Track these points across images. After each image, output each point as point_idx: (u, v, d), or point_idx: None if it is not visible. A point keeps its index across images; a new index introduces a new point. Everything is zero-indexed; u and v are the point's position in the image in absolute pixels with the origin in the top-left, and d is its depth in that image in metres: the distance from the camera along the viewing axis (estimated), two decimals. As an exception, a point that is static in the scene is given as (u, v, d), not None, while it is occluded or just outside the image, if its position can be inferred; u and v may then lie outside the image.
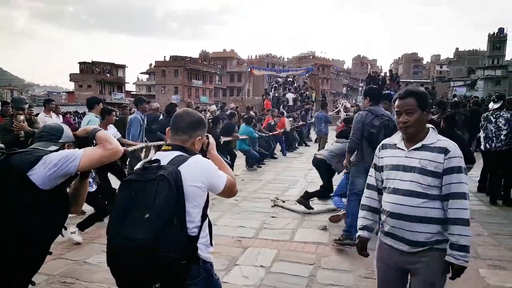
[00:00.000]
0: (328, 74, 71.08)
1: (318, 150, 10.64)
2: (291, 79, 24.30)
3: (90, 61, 53.01)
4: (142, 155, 6.92)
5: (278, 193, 6.81)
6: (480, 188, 6.83)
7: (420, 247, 1.92)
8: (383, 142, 2.17)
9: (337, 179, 5.72)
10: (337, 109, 26.63)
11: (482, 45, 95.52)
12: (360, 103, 26.47)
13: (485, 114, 6.37)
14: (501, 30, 70.15)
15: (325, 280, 3.46)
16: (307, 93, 23.05)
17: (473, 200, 6.28)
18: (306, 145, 15.00)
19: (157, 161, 1.65)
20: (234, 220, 5.24)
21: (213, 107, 14.84)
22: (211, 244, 1.78)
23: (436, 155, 1.91)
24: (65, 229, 1.96)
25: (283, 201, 6.14)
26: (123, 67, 56.03)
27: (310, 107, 18.77)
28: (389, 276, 2.08)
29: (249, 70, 24.83)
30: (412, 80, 47.87)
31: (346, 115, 10.75)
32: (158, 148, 6.82)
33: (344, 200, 4.84)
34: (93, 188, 4.39)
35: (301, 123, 14.91)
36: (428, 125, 2.02)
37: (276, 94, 20.77)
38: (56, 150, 1.88)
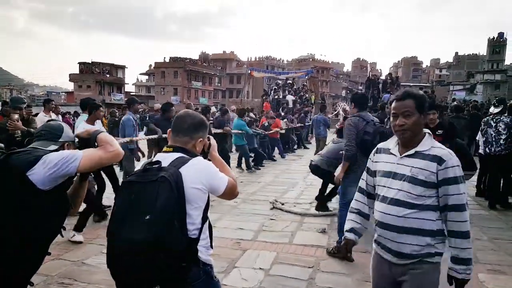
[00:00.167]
0: (327, 76, 71.21)
1: (315, 153, 10.65)
2: (290, 82, 24.35)
3: (90, 62, 53.03)
4: (143, 160, 6.89)
5: (277, 196, 6.80)
6: (479, 192, 6.84)
7: (408, 259, 1.83)
8: (378, 146, 2.09)
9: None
10: (336, 112, 26.71)
11: (481, 49, 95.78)
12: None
13: (485, 119, 6.39)
14: (500, 34, 70.38)
15: (324, 283, 3.44)
16: (307, 95, 23.09)
17: (472, 204, 6.28)
18: (305, 147, 15.00)
19: (158, 162, 1.64)
20: (233, 222, 5.23)
21: (213, 108, 14.84)
22: (211, 246, 1.78)
23: (428, 164, 1.80)
24: (64, 229, 1.94)
25: (282, 203, 6.13)
26: (122, 67, 56.07)
27: (310, 109, 18.79)
28: (382, 286, 2.01)
29: (249, 72, 24.91)
30: (412, 84, 47.98)
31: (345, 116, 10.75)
32: (155, 144, 6.79)
33: None
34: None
35: (298, 124, 14.88)
36: (425, 130, 1.92)
37: (276, 96, 20.81)
38: (56, 150, 1.87)
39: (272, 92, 22.12)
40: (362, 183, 2.14)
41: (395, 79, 19.90)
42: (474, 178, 6.73)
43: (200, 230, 1.66)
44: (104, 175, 5.42)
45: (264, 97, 22.39)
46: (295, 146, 14.53)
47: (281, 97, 20.70)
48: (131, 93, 63.73)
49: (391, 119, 1.93)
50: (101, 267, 3.65)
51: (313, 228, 4.99)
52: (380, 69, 77.52)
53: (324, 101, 25.60)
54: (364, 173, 2.13)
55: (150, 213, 1.50)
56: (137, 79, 74.64)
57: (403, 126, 1.85)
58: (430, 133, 1.91)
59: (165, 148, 1.77)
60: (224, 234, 4.62)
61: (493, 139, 6.00)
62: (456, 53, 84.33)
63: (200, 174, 1.66)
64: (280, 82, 23.37)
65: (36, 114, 8.03)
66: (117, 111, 13.09)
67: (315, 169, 5.57)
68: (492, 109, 6.33)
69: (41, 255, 1.86)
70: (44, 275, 3.45)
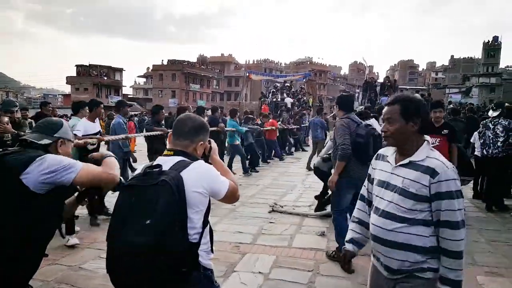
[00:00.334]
0: (325, 79, 71.43)
1: (310, 156, 10.63)
2: (288, 84, 24.40)
3: (87, 64, 52.95)
4: (141, 166, 6.89)
5: (276, 198, 6.79)
6: (476, 194, 6.87)
7: (398, 275, 1.73)
8: (379, 152, 1.98)
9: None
10: (333, 114, 26.72)
11: (477, 52, 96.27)
12: (356, 108, 26.57)
13: (484, 121, 6.43)
14: (495, 38, 70.84)
15: (324, 286, 3.43)
16: (304, 98, 23.14)
17: (469, 206, 6.32)
18: (303, 150, 15.01)
19: (159, 166, 1.63)
20: (232, 225, 5.22)
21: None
22: (211, 251, 1.77)
23: (420, 176, 1.67)
24: (61, 229, 1.94)
25: (282, 206, 6.12)
26: (120, 70, 56.05)
27: (307, 112, 18.82)
28: None
29: (247, 75, 24.93)
30: (408, 87, 48.17)
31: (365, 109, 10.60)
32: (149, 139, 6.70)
33: None
34: None
35: (295, 126, 14.87)
36: (426, 137, 1.79)
37: (274, 99, 20.84)
38: (49, 144, 1.86)
39: (270, 94, 22.17)
40: (363, 191, 2.05)
41: (393, 82, 19.96)
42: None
43: (201, 234, 1.65)
44: None
45: (261, 99, 22.41)
46: (293, 149, 14.53)
47: (279, 99, 20.73)
48: (129, 96, 63.68)
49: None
50: (98, 272, 3.63)
51: (312, 231, 4.98)
52: (377, 72, 77.76)
53: (321, 104, 25.66)
54: (366, 180, 2.04)
55: (150, 217, 1.49)
56: (135, 81, 74.62)
57: (386, 133, 1.80)
58: (429, 141, 1.78)
59: (165, 152, 1.76)
60: (223, 237, 4.60)
61: (491, 141, 6.04)
62: (452, 56, 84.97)
63: (201, 178, 1.65)
64: (278, 85, 23.44)
65: (33, 117, 7.99)
66: (114, 113, 13.04)
67: (315, 170, 5.55)
68: (491, 113, 6.38)
69: (40, 255, 1.84)
70: (41, 280, 3.42)
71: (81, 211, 4.48)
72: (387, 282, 1.81)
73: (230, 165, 9.62)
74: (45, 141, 1.86)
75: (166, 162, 1.67)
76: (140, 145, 12.05)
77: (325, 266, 3.86)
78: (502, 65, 75.15)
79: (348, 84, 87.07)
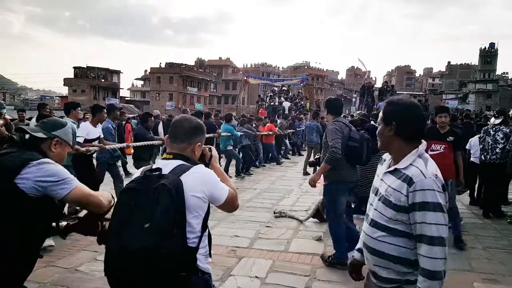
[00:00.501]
0: (322, 84, 71.59)
1: (305, 160, 10.55)
2: (285, 88, 24.48)
3: (85, 66, 52.90)
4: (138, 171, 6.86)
5: (273, 203, 6.79)
6: (473, 201, 6.89)
7: (386, 284, 1.66)
8: (383, 156, 1.92)
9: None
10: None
11: (473, 59, 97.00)
12: (353, 113, 26.70)
13: (485, 127, 6.46)
14: (492, 45, 71.35)
15: (321, 292, 3.42)
16: (302, 102, 23.21)
17: (466, 213, 6.33)
18: (300, 154, 15.00)
19: (159, 169, 1.63)
20: (229, 229, 5.20)
21: (157, 111, 12.93)
22: (209, 255, 1.77)
23: (400, 184, 1.58)
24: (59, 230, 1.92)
25: (285, 213, 5.98)
26: (118, 72, 55.98)
27: (305, 116, 18.86)
28: None
29: (245, 78, 24.99)
30: (405, 92, 48.40)
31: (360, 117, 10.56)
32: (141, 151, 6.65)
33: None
34: None
35: (290, 130, 14.86)
36: (421, 145, 1.66)
37: (272, 103, 20.88)
38: (43, 140, 1.84)
39: (268, 98, 22.23)
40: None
41: (391, 87, 20.09)
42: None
43: (200, 238, 1.66)
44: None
45: (259, 103, 22.46)
46: (290, 153, 14.53)
47: (277, 103, 20.78)
48: (126, 98, 63.62)
49: None
50: (95, 274, 3.61)
51: (309, 236, 4.97)
52: (375, 77, 78.09)
53: (319, 108, 25.69)
54: None
55: (149, 220, 1.49)
56: (132, 84, 74.54)
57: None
58: (420, 148, 1.65)
59: (164, 155, 1.76)
60: (219, 241, 4.58)
61: (490, 147, 6.07)
62: (449, 62, 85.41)
63: (201, 183, 1.65)
64: (276, 89, 23.51)
65: (30, 118, 7.97)
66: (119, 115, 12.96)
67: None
68: (493, 120, 6.39)
69: (33, 257, 1.82)
70: (37, 282, 3.39)
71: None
72: None
73: (226, 169, 9.65)
74: (40, 135, 1.84)
75: (166, 165, 1.67)
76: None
77: (321, 271, 3.85)
78: (498, 71, 75.79)
79: (345, 89, 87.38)
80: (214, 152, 1.96)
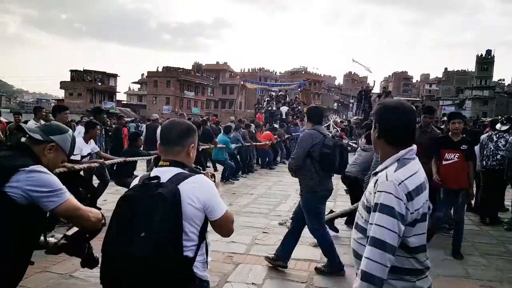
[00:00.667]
0: (319, 89, 71.88)
1: None
2: (283, 93, 24.52)
3: (82, 69, 52.77)
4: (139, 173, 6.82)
5: (270, 208, 6.76)
6: (469, 207, 6.88)
7: None
8: None
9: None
10: (327, 124, 26.89)
11: (470, 65, 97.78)
12: (350, 118, 26.79)
13: (490, 133, 6.49)
14: (488, 52, 71.94)
15: (318, 299, 3.40)
16: (299, 107, 23.24)
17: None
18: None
19: (157, 178, 1.61)
20: (225, 234, 5.16)
21: (154, 115, 12.76)
22: (207, 263, 1.74)
23: (372, 187, 1.59)
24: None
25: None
26: (114, 76, 55.87)
27: (299, 121, 18.90)
28: None
29: (242, 83, 25.03)
30: (402, 98, 48.64)
31: (368, 121, 10.51)
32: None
33: None
34: None
35: (286, 136, 14.84)
36: (404, 150, 1.60)
37: (269, 108, 20.90)
38: (38, 142, 1.80)
39: (265, 103, 22.25)
40: None
41: (388, 93, 20.20)
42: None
43: (198, 247, 1.64)
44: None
45: (256, 106, 22.47)
46: (285, 157, 14.51)
47: (274, 108, 20.80)
48: (123, 102, 63.53)
49: None
50: (90, 280, 3.57)
51: (306, 242, 4.93)
52: (374, 80, 78.42)
53: (316, 113, 25.69)
54: None
55: (146, 229, 1.48)
56: (129, 87, 74.47)
57: None
58: (399, 152, 1.59)
59: (161, 162, 1.73)
60: (216, 247, 4.55)
61: (491, 153, 6.10)
62: (446, 68, 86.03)
63: (198, 192, 1.62)
64: (273, 93, 23.53)
65: (26, 122, 7.92)
66: (108, 119, 12.96)
67: (350, 178, 5.33)
68: (499, 126, 6.39)
69: (23, 264, 1.79)
70: (31, 288, 3.35)
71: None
72: None
73: (223, 175, 9.66)
74: (37, 137, 1.81)
75: (164, 173, 1.65)
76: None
77: (318, 278, 3.83)
78: (495, 78, 76.39)
79: (342, 94, 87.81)
80: (217, 179, 1.93)
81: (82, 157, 5.22)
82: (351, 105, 61.63)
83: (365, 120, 12.40)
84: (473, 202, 6.81)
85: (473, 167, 4.73)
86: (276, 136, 13.03)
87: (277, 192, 8.48)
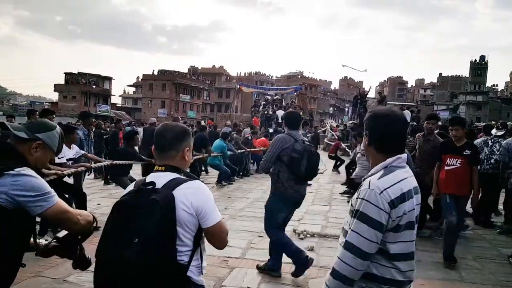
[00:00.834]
0: (315, 93, 72.12)
1: None
2: (279, 97, 24.59)
3: (76, 72, 52.51)
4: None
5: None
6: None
7: None
8: None
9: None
10: (324, 129, 27.00)
11: (464, 71, 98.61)
12: (346, 122, 26.91)
13: (485, 138, 6.54)
14: (482, 57, 72.69)
15: (313, 303, 3.40)
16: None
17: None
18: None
19: (152, 183, 1.61)
20: (220, 238, 5.15)
21: (152, 119, 13.00)
22: (202, 271, 1.72)
23: (357, 193, 1.59)
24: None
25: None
26: (109, 79, 55.66)
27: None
28: None
29: (238, 86, 25.03)
30: (397, 103, 48.92)
31: (358, 129, 10.58)
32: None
33: None
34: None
35: None
36: (396, 157, 1.59)
37: (266, 112, 20.95)
38: (24, 140, 1.73)
39: (261, 107, 22.30)
40: None
41: (384, 98, 20.34)
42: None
43: (192, 252, 1.63)
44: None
45: (253, 109, 22.49)
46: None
47: (270, 112, 20.85)
48: (118, 105, 63.33)
49: None
50: (83, 285, 3.55)
51: (302, 246, 4.93)
52: (370, 86, 78.89)
53: (312, 118, 25.85)
54: None
55: (139, 235, 1.48)
56: (124, 90, 74.28)
57: None
58: (387, 160, 1.58)
59: (157, 167, 1.72)
60: (211, 251, 4.47)
61: (485, 157, 6.15)
62: (440, 74, 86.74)
63: (192, 197, 1.60)
64: (269, 97, 23.60)
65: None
66: (102, 123, 12.94)
67: (355, 182, 5.43)
68: (495, 131, 6.45)
69: (20, 261, 1.76)
70: (24, 292, 3.32)
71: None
72: None
73: (220, 180, 9.66)
74: (22, 135, 1.72)
75: (159, 178, 1.64)
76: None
77: (314, 282, 3.83)
78: (488, 83, 77.15)
79: (338, 99, 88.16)
80: None
81: (68, 160, 5.16)
82: (346, 109, 61.87)
83: (361, 124, 12.45)
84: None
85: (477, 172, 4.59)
86: (271, 142, 13.03)
87: (272, 196, 8.47)
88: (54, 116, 5.64)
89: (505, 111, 57.19)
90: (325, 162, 14.05)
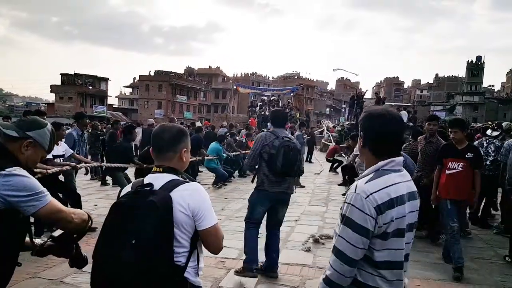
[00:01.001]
0: (312, 94, 72.24)
1: None
2: (276, 98, 24.62)
3: (72, 73, 52.32)
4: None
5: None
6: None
7: None
8: None
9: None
10: (321, 129, 27.05)
11: (461, 71, 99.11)
12: (343, 123, 26.95)
13: (480, 139, 6.56)
14: (478, 58, 73.06)
15: (310, 303, 3.40)
16: (292, 112, 23.35)
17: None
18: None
19: (150, 185, 1.60)
20: (217, 239, 5.14)
21: (150, 120, 13.54)
22: (198, 272, 1.72)
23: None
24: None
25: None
26: (106, 80, 55.48)
27: (293, 126, 18.96)
28: None
29: (235, 87, 25.08)
30: (394, 103, 49.06)
31: (353, 132, 10.56)
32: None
33: None
34: None
35: None
36: (389, 160, 1.52)
37: (262, 112, 20.97)
38: (14, 139, 1.70)
39: (258, 108, 22.33)
40: None
41: (380, 99, 20.38)
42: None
43: (189, 254, 1.63)
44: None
45: (250, 110, 22.52)
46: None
47: (267, 113, 20.88)
48: (114, 106, 63.14)
49: None
50: (80, 286, 3.53)
51: (298, 247, 4.95)
52: (366, 89, 79.16)
53: (308, 118, 25.88)
54: None
55: (136, 237, 1.47)
56: (121, 91, 74.09)
57: None
58: (379, 163, 1.52)
59: (154, 168, 1.72)
60: (208, 252, 4.52)
61: None
62: (437, 74, 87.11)
63: (189, 199, 1.59)
64: (265, 98, 23.62)
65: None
66: (99, 124, 12.92)
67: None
68: (490, 132, 6.41)
69: (15, 260, 1.74)
70: (19, 294, 3.31)
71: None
72: None
73: (217, 182, 9.69)
74: (12, 133, 1.70)
75: (157, 179, 1.64)
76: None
77: (311, 282, 3.83)
78: (485, 84, 77.56)
79: (334, 99, 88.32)
80: None
81: (54, 156, 5.12)
82: (343, 110, 61.96)
83: (357, 125, 12.45)
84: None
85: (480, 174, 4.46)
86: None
87: (269, 196, 8.46)
88: (45, 117, 5.62)
89: (502, 111, 57.43)
90: (322, 163, 14.09)
